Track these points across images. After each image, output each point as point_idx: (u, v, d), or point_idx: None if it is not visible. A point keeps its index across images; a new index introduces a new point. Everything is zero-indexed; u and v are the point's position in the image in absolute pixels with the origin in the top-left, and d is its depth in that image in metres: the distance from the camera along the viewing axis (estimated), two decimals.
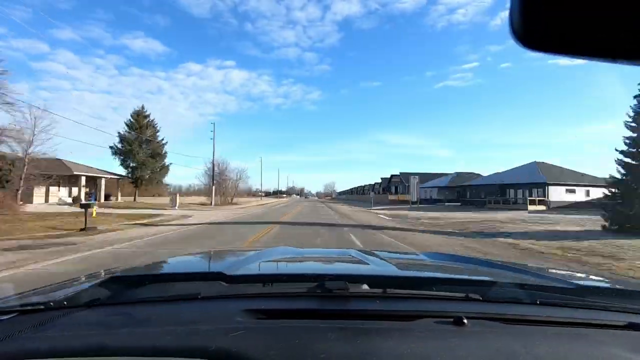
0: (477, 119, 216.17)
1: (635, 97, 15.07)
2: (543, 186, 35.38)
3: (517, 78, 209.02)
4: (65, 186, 31.91)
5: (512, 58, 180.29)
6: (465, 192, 46.59)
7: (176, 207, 28.31)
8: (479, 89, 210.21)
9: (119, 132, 41.27)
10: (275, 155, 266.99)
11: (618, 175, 14.93)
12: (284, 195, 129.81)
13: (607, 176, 15.59)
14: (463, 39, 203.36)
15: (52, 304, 0.99)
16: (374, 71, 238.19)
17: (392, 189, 68.62)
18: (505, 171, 42.94)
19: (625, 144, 15.08)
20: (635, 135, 14.90)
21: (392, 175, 71.47)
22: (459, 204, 44.50)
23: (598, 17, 0.44)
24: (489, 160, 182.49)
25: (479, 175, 52.21)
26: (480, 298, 1.04)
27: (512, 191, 38.80)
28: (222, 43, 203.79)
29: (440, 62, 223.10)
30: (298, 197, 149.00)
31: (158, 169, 43.97)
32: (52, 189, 28.65)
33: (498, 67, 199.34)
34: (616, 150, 15.10)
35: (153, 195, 52.38)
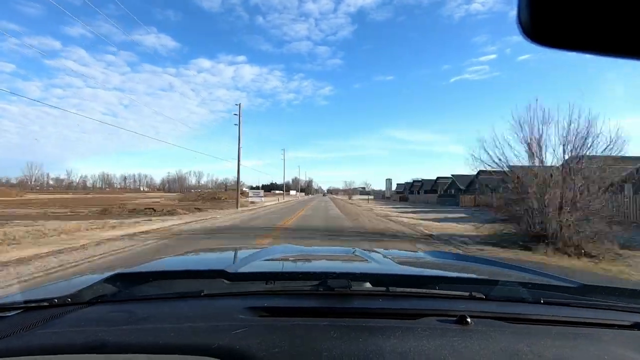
0: (491, 114, 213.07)
1: None
2: None
3: (535, 71, 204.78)
4: None
5: (532, 49, 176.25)
6: None
7: None
8: (495, 83, 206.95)
9: None
10: (286, 151, 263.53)
11: None
12: (276, 195, 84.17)
13: None
14: (481, 29, 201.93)
15: (56, 300, 0.99)
16: (387, 65, 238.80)
17: (439, 191, 55.42)
18: None
19: None
20: None
21: (438, 177, 59.70)
22: None
23: (607, 12, 0.44)
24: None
25: None
26: (484, 297, 1.04)
27: None
28: (233, 38, 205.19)
29: (457, 55, 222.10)
30: (301, 195, 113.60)
31: None
32: None
33: (516, 59, 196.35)
34: None
35: None
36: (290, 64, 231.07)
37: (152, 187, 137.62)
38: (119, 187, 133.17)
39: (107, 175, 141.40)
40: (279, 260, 1.63)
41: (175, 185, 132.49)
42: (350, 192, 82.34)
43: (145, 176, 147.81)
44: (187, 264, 1.68)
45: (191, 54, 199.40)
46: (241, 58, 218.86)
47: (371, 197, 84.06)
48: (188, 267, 1.54)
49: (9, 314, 0.94)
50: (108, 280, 1.11)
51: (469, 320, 0.85)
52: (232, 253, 1.97)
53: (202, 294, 1.05)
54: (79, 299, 1.01)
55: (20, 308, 0.97)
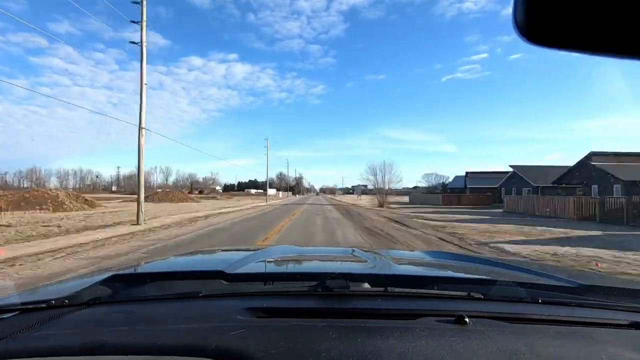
0: (483, 113, 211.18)
1: None
2: None
3: (526, 70, 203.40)
4: None
5: (523, 48, 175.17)
6: None
7: None
8: (486, 82, 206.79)
9: None
10: (278, 151, 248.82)
11: None
12: (250, 196, 68.22)
13: None
14: (473, 28, 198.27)
15: (53, 302, 0.99)
16: (379, 64, 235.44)
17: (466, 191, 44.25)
18: None
19: None
20: None
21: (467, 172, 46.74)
22: None
23: (603, 12, 0.44)
24: (492, 156, 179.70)
25: None
26: (482, 297, 1.04)
27: None
28: (225, 35, 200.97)
29: (449, 54, 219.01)
30: (284, 195, 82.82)
31: None
32: None
33: (507, 58, 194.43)
34: None
35: None
36: (282, 62, 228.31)
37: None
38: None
39: (36, 169, 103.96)
40: (278, 261, 1.63)
41: (129, 184, 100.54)
42: (384, 193, 40.36)
43: (89, 171, 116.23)
44: (185, 265, 1.68)
45: (182, 51, 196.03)
46: (233, 56, 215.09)
47: (405, 199, 49.81)
48: (186, 268, 1.54)
49: (6, 316, 0.93)
50: (106, 281, 1.11)
51: (467, 320, 0.85)
52: (230, 254, 1.97)
53: (200, 294, 1.04)
54: (76, 300, 1.00)
55: (18, 310, 0.96)
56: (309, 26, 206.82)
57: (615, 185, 25.02)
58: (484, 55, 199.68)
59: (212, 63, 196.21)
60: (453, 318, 0.86)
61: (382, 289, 1.07)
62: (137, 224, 14.07)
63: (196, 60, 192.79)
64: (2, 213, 18.97)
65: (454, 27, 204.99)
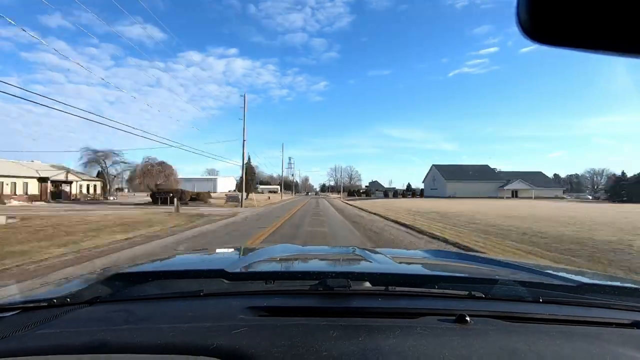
0: (487, 110, 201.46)
1: None
2: None
3: (535, 65, 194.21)
4: None
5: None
6: None
7: None
8: (493, 78, 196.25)
9: None
10: (277, 150, 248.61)
11: None
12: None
13: None
14: (484, 19, 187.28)
15: (54, 300, 0.99)
16: (385, 58, 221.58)
17: None
18: None
19: None
20: None
21: None
22: None
23: (606, 9, 0.44)
24: (491, 153, 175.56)
25: None
26: (483, 296, 1.04)
27: None
28: (224, 29, 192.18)
29: (457, 48, 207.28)
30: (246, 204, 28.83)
31: None
32: None
33: (518, 52, 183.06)
34: None
35: None
36: (283, 57, 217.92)
37: None
38: None
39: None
40: (279, 260, 1.63)
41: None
42: None
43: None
44: (187, 264, 1.68)
45: (180, 46, 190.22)
46: (232, 51, 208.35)
47: None
48: (187, 267, 1.54)
49: (8, 314, 0.93)
50: (107, 280, 1.11)
51: (468, 319, 0.85)
52: (231, 253, 1.97)
53: (201, 293, 1.05)
54: (77, 299, 1.01)
55: (19, 308, 0.97)
56: (312, 18, 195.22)
57: None
58: (495, 48, 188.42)
59: (211, 59, 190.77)
60: (454, 317, 0.87)
61: (383, 288, 1.07)
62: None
63: (195, 56, 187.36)
64: None
65: (465, 18, 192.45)
